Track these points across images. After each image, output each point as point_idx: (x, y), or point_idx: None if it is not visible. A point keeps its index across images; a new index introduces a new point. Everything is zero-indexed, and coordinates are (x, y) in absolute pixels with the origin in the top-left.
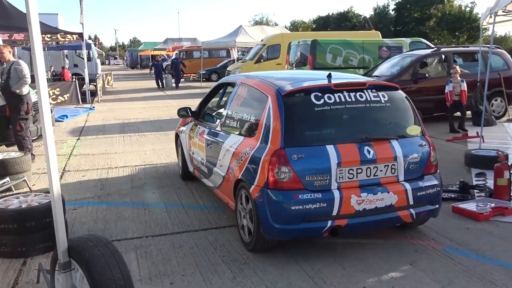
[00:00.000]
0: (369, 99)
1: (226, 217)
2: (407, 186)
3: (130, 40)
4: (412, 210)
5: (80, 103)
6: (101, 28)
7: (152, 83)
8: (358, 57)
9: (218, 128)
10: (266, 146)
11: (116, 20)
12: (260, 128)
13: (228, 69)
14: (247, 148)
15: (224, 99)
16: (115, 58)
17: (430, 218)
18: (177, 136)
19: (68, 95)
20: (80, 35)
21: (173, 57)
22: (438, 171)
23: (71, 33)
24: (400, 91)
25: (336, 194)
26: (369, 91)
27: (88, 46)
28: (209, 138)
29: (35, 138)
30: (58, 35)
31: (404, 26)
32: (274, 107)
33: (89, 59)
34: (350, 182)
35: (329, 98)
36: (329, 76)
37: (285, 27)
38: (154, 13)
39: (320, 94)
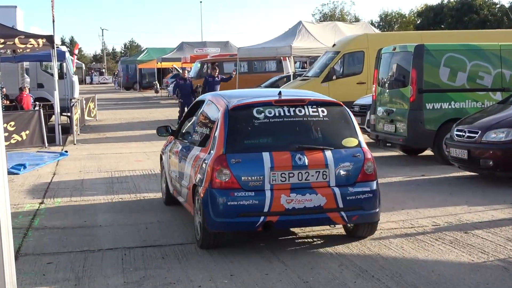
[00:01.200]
0: (307, 113)
1: None
2: (336, 190)
3: (125, 45)
4: (343, 213)
5: (46, 145)
6: (81, 26)
7: (160, 113)
8: (492, 73)
9: (187, 143)
10: (213, 153)
11: (104, 15)
12: (211, 138)
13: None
14: (201, 156)
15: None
16: (101, 74)
17: None
18: (161, 158)
19: (27, 132)
20: (49, 38)
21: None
22: (375, 179)
23: (36, 36)
24: (342, 108)
25: (268, 193)
26: (309, 107)
27: (61, 56)
28: (180, 153)
29: None
30: (16, 40)
31: None
32: (221, 119)
33: (61, 75)
34: (283, 184)
35: (270, 112)
36: (279, 93)
37: (371, 23)
38: (163, 3)
39: (261, 109)
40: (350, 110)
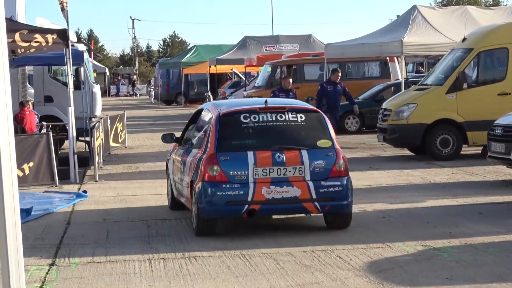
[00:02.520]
0: (287, 119)
1: None
2: (310, 184)
3: (164, 41)
4: (316, 203)
5: (57, 183)
6: (103, 15)
7: None
8: None
9: (188, 148)
10: (206, 152)
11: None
12: (205, 140)
13: (384, 106)
14: (197, 156)
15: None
16: (131, 82)
17: None
18: (167, 166)
19: (31, 164)
20: (62, 33)
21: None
22: (347, 175)
23: (43, 31)
24: (319, 114)
25: (251, 186)
26: (289, 113)
27: (78, 57)
28: (182, 157)
29: None
30: (16, 36)
31: None
32: (213, 124)
33: (77, 85)
34: (264, 178)
35: (254, 118)
36: (265, 102)
37: None
38: None
39: (248, 115)
40: (490, 133)
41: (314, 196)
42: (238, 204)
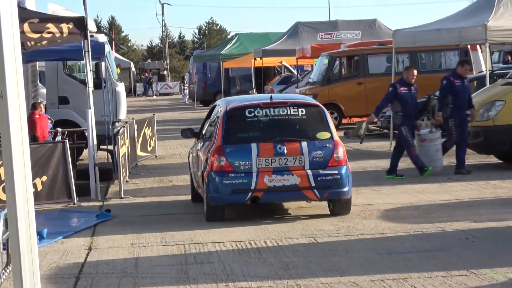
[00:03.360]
0: (289, 113)
1: None
2: (309, 172)
3: (200, 29)
4: (315, 191)
5: (75, 200)
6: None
7: None
8: None
9: (203, 141)
10: (214, 144)
11: None
12: (214, 133)
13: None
14: (207, 148)
15: None
16: (161, 78)
17: None
18: (188, 160)
19: (44, 178)
20: (79, 22)
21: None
22: (345, 165)
23: (57, 20)
24: (319, 108)
25: (254, 175)
26: (290, 107)
27: (98, 50)
28: (198, 150)
29: None
30: (25, 26)
31: None
32: (221, 118)
33: (98, 83)
34: (266, 167)
35: (258, 112)
36: (270, 97)
37: None
38: None
39: (252, 110)
40: None
41: (313, 184)
42: (242, 192)
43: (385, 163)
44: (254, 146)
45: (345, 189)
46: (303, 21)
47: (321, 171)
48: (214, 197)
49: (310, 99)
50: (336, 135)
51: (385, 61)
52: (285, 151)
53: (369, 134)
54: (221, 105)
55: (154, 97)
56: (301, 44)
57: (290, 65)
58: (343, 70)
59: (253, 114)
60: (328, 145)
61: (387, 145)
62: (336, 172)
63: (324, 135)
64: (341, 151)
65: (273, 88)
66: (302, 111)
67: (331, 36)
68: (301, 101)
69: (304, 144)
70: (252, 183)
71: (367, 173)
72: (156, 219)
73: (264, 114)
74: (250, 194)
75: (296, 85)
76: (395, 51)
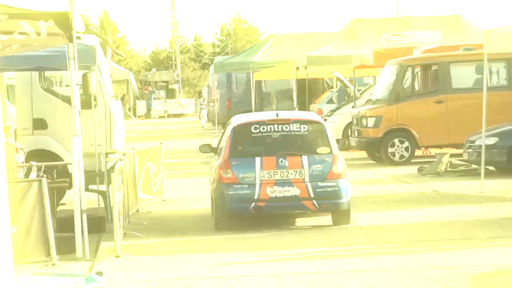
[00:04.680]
0: (291, 129)
1: None
2: (309, 184)
3: (223, 28)
4: (314, 201)
5: (55, 259)
6: None
7: None
8: None
9: (217, 155)
10: (222, 158)
11: None
12: (223, 148)
13: None
14: (217, 162)
15: None
16: (171, 93)
17: None
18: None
19: (16, 229)
20: (62, 19)
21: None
22: (344, 178)
23: (34, 17)
24: (321, 125)
25: (257, 186)
26: (293, 124)
27: (87, 56)
28: (213, 165)
29: None
30: None
31: None
32: (229, 134)
33: (86, 101)
34: (269, 179)
35: (263, 128)
36: (277, 115)
37: None
38: None
39: (257, 126)
40: None
41: (312, 195)
42: (247, 202)
43: (476, 210)
44: (258, 159)
45: (343, 200)
46: (361, 18)
47: (319, 183)
48: (221, 207)
49: (314, 116)
50: (337, 149)
51: (474, 72)
52: (287, 164)
53: (452, 170)
54: (232, 121)
55: (161, 119)
56: (360, 49)
57: (345, 77)
58: (416, 84)
59: (258, 130)
60: (327, 159)
61: (477, 186)
62: (334, 184)
63: (324, 149)
64: (339, 165)
65: (321, 107)
66: (304, 127)
67: (400, 38)
68: (304, 118)
69: (305, 158)
70: (255, 193)
71: (453, 224)
72: (163, 286)
73: (269, 130)
74: (253, 204)
75: (354, 104)
76: (487, 58)
